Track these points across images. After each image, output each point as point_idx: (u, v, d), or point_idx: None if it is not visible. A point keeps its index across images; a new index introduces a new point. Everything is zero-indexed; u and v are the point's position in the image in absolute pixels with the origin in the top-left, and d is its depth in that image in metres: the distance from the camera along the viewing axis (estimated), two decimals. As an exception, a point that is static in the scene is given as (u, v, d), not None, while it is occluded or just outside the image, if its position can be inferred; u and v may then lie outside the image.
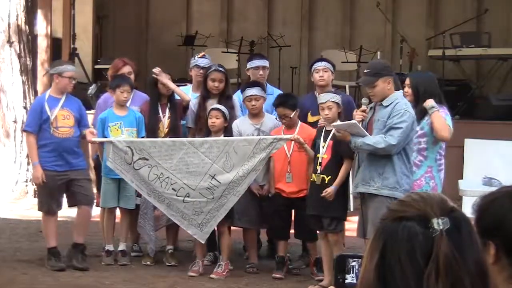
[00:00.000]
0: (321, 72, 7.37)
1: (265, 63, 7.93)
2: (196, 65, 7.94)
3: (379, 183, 6.04)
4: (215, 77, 7.51)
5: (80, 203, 7.35)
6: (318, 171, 6.74)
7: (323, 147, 6.75)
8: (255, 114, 7.35)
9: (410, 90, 6.41)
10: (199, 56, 8.10)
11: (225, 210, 7.04)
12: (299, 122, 7.15)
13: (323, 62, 7.47)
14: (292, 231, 7.24)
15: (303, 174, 7.02)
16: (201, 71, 7.88)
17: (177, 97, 7.74)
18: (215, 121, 7.18)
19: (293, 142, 6.94)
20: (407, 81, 6.47)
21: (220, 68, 7.62)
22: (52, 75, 7.43)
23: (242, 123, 7.36)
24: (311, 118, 7.29)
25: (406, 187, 6.03)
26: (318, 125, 7.16)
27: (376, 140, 5.98)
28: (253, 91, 7.28)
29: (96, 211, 8.10)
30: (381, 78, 6.08)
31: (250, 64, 7.93)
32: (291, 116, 7.00)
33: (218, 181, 6.98)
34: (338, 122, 6.30)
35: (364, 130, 6.07)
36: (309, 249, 7.31)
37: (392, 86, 6.17)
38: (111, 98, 7.66)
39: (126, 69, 7.84)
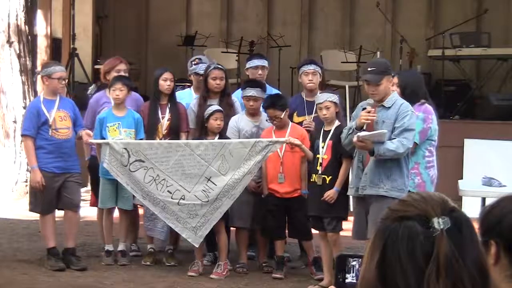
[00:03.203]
0: (311, 76, 7.39)
1: (264, 63, 7.94)
2: (195, 72, 7.94)
3: (388, 185, 6.00)
4: (216, 75, 7.53)
5: (65, 208, 7.34)
6: (319, 172, 6.73)
7: (322, 147, 6.74)
8: (254, 113, 7.36)
9: (398, 89, 6.37)
10: (194, 62, 8.05)
11: (220, 213, 7.03)
12: (290, 123, 7.16)
13: (312, 65, 7.47)
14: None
15: (296, 174, 7.02)
16: (201, 78, 7.88)
17: (178, 98, 7.74)
18: (220, 123, 7.18)
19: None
20: (396, 80, 6.41)
21: (220, 66, 7.64)
22: (42, 77, 7.42)
23: (241, 120, 7.36)
24: (296, 119, 7.34)
25: (408, 189, 6.02)
26: (304, 125, 7.18)
27: (396, 145, 5.93)
28: (252, 92, 7.29)
29: (93, 212, 8.10)
30: (385, 76, 6.06)
31: (249, 64, 7.94)
32: (281, 117, 7.01)
33: (214, 184, 6.98)
34: (366, 133, 6.02)
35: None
36: (305, 248, 7.31)
37: (395, 83, 6.17)
38: (103, 98, 7.66)
39: (122, 67, 7.84)
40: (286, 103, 7.12)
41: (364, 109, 6.12)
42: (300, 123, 7.26)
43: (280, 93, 7.86)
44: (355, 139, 6.02)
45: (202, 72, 7.85)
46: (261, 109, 7.39)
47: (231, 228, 7.52)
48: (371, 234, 6.02)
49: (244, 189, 7.12)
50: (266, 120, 7.20)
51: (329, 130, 6.75)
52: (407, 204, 1.64)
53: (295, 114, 7.37)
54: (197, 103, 7.59)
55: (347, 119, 8.14)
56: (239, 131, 7.30)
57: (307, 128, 7.17)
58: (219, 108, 7.26)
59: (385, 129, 6.01)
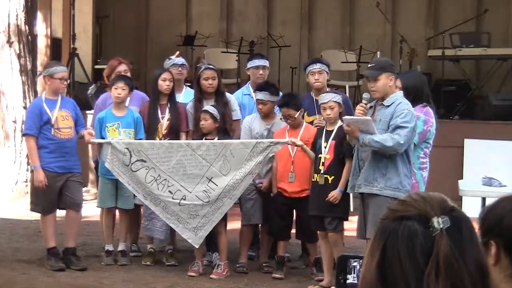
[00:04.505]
0: (317, 75, 7.40)
1: (265, 62, 7.94)
2: (174, 64, 7.94)
3: (382, 184, 6.02)
4: (208, 75, 7.53)
5: (67, 207, 7.34)
6: (321, 172, 6.73)
7: (325, 147, 6.74)
8: (265, 116, 7.37)
9: (401, 91, 6.37)
10: (175, 55, 8.09)
11: (221, 214, 7.03)
12: (304, 123, 7.16)
13: (318, 64, 7.48)
14: (293, 231, 7.24)
15: (306, 174, 7.01)
16: (180, 69, 7.90)
17: (177, 98, 7.74)
18: (203, 123, 7.19)
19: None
20: (398, 83, 6.42)
21: (211, 66, 7.65)
22: (44, 77, 7.43)
23: (254, 121, 7.38)
24: (307, 118, 7.34)
25: (407, 188, 6.02)
26: (314, 124, 7.19)
27: (384, 137, 5.95)
28: (259, 95, 7.30)
29: (92, 212, 8.12)
30: (384, 73, 6.07)
31: (250, 64, 7.95)
32: (296, 116, 7.01)
33: (215, 184, 6.98)
34: (351, 116, 6.17)
35: (374, 128, 6.02)
36: (309, 250, 7.31)
37: (394, 84, 6.16)
38: (110, 98, 7.66)
39: (122, 68, 7.85)
40: (301, 103, 7.13)
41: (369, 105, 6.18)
42: (311, 123, 7.27)
43: (296, 93, 7.86)
44: (343, 124, 6.11)
45: (181, 63, 7.91)
46: (276, 111, 7.40)
47: (230, 228, 7.52)
48: (370, 233, 6.01)
49: (253, 187, 7.16)
50: (281, 119, 7.22)
51: (332, 130, 6.75)
52: (406, 204, 1.64)
53: (305, 114, 7.36)
54: (193, 105, 7.59)
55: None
56: (251, 132, 7.32)
57: (319, 127, 7.16)
58: (205, 108, 7.26)
59: (381, 127, 6.04)
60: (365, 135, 6.01)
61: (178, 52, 8.30)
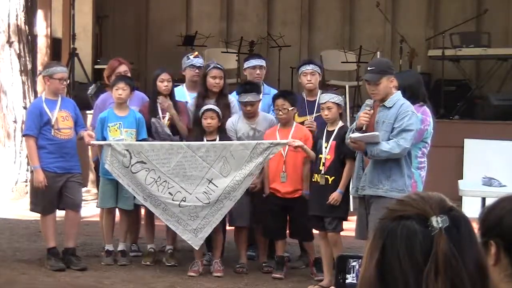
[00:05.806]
0: (309, 76, 7.40)
1: (262, 62, 7.93)
2: (191, 65, 7.94)
3: (387, 186, 5.99)
4: (216, 74, 7.51)
5: (67, 208, 7.34)
6: (322, 172, 6.73)
7: (325, 147, 6.74)
8: (252, 116, 7.36)
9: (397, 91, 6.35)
10: (193, 56, 8.08)
11: (221, 215, 7.02)
12: (294, 122, 7.16)
13: (310, 65, 7.47)
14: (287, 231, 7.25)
15: (298, 174, 7.02)
16: (197, 70, 7.89)
17: (177, 97, 7.73)
18: (210, 121, 7.17)
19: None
20: (394, 83, 6.40)
21: (219, 66, 7.64)
22: (43, 77, 7.44)
23: (237, 122, 7.36)
24: (298, 119, 7.33)
25: (410, 188, 6.02)
26: (305, 125, 7.19)
27: (391, 146, 5.92)
28: (248, 98, 7.25)
29: (96, 211, 8.12)
30: (385, 76, 6.06)
31: (247, 64, 7.94)
32: (289, 109, 7.00)
33: (215, 185, 6.97)
34: (358, 134, 6.04)
35: (380, 139, 5.98)
36: (307, 249, 7.31)
37: (394, 85, 6.15)
38: (109, 99, 7.65)
39: (122, 68, 7.84)
40: (296, 101, 7.13)
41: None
42: (301, 123, 7.27)
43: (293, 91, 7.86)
44: (348, 140, 6.06)
45: (199, 65, 7.89)
46: (259, 110, 7.40)
47: (230, 228, 7.52)
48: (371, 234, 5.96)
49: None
50: (273, 110, 7.19)
51: (333, 130, 6.75)
52: (405, 203, 1.64)
53: (295, 114, 7.36)
54: (194, 103, 7.57)
55: (348, 119, 8.14)
56: (236, 133, 7.31)
57: (309, 128, 7.17)
58: (211, 106, 7.24)
59: (385, 129, 6.01)
60: (372, 146, 5.96)
61: (196, 53, 8.29)
